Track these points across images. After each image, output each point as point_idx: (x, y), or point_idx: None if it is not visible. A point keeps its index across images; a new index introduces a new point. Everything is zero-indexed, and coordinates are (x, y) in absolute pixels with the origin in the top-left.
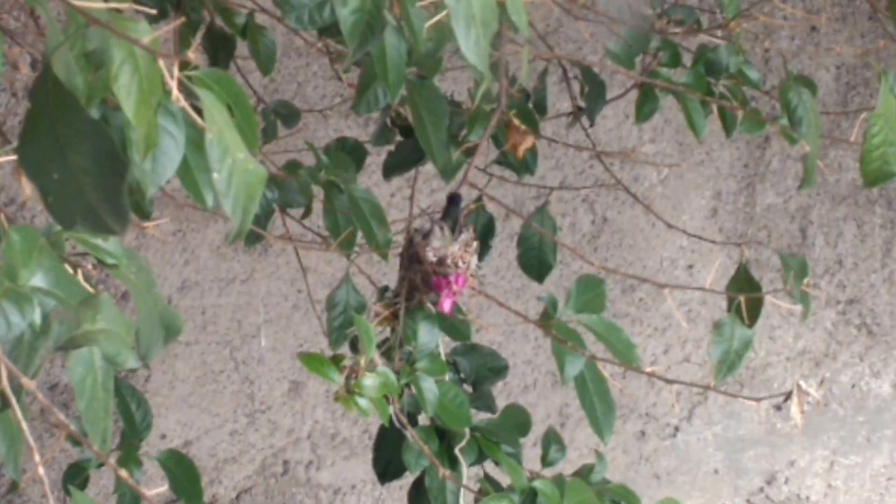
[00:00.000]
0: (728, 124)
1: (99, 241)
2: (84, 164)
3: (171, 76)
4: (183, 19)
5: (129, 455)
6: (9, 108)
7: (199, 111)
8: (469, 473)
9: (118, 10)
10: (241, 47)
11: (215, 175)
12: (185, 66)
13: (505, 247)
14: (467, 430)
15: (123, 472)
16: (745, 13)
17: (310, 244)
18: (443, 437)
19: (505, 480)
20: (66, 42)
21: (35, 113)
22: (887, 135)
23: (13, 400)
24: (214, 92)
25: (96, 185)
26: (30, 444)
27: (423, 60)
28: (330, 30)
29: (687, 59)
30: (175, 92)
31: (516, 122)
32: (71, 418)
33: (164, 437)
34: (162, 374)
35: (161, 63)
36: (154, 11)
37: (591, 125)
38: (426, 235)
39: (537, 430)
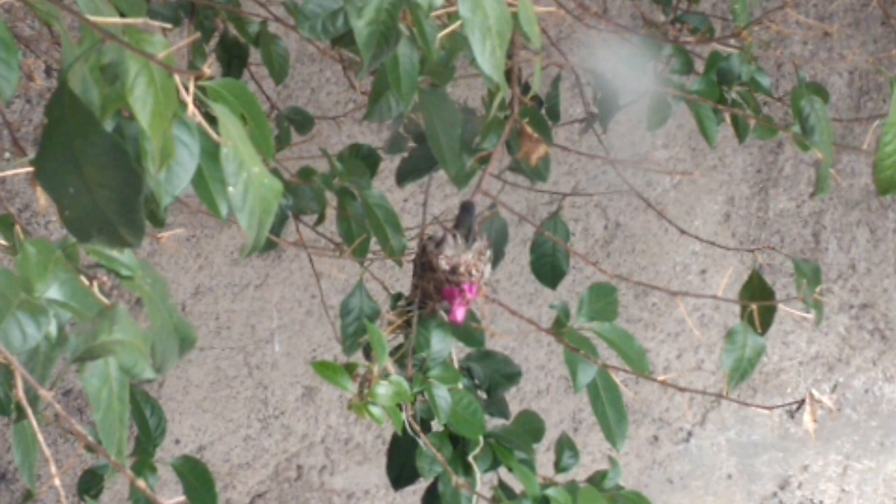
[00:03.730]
0: (741, 131)
1: (114, 253)
2: (100, 178)
3: (187, 90)
4: (198, 35)
5: (143, 462)
6: (23, 114)
7: (214, 121)
8: (483, 480)
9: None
10: (254, 53)
11: (231, 189)
12: (199, 77)
13: (518, 252)
14: (481, 438)
15: (141, 483)
16: (758, 21)
17: (323, 250)
18: (456, 444)
19: (519, 486)
20: (82, 56)
21: (51, 127)
22: None
23: (29, 411)
24: (229, 103)
25: (112, 199)
26: (46, 455)
27: (435, 69)
28: (343, 39)
29: (699, 66)
30: (191, 107)
31: (529, 130)
32: (85, 424)
33: (178, 442)
34: (176, 379)
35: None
36: (169, 25)
37: (604, 131)
38: (439, 244)
39: (550, 435)
